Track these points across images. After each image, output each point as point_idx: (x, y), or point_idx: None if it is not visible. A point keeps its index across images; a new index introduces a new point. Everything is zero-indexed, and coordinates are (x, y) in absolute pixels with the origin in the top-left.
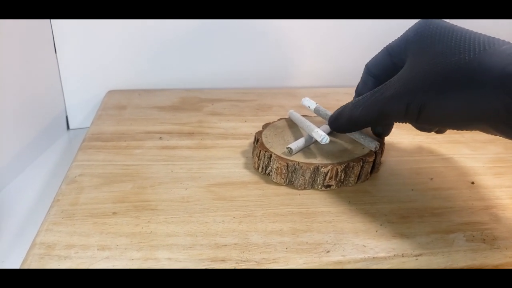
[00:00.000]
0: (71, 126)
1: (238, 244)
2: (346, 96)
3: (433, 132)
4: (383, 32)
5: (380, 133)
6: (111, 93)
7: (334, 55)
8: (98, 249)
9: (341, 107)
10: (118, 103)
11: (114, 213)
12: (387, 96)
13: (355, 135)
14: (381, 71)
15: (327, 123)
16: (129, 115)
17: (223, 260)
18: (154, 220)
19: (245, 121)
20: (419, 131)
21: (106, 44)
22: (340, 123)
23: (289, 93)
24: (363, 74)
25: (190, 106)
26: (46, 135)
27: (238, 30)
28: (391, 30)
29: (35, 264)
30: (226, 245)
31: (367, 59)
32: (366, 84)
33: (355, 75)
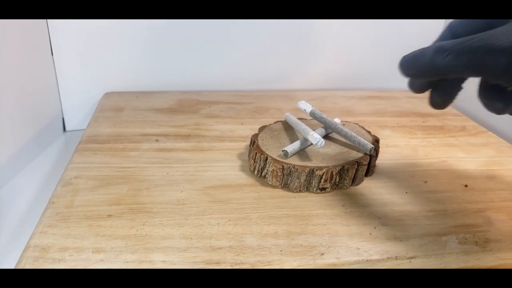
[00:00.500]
0: (67, 128)
1: (233, 246)
2: (344, 99)
3: (431, 138)
4: (380, 36)
5: (438, 104)
6: (108, 95)
7: (332, 58)
8: (92, 252)
9: (417, 49)
10: (115, 105)
11: (109, 215)
12: (486, 45)
13: (350, 138)
14: (469, 31)
15: (322, 126)
16: (126, 117)
17: (217, 263)
18: (149, 223)
19: (242, 124)
20: (413, 135)
21: (103, 45)
22: (415, 66)
23: (286, 96)
24: (444, 32)
25: (187, 108)
26: (42, 137)
27: (237, 33)
28: (388, 34)
29: (29, 267)
30: (221, 248)
31: (364, 63)
32: None
33: (353, 79)
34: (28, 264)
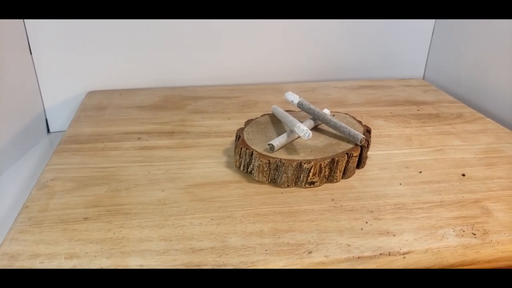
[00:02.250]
0: (51, 129)
1: (215, 247)
2: (335, 90)
3: (426, 126)
4: (368, 28)
5: None
6: (91, 93)
7: (322, 49)
8: (65, 258)
9: None
10: (98, 103)
11: (85, 218)
12: None
13: (340, 129)
14: None
15: (311, 117)
16: (108, 115)
17: (198, 266)
18: (127, 225)
19: (229, 118)
20: (408, 124)
21: (85, 42)
22: None
23: (275, 89)
24: None
25: (172, 104)
26: (24, 140)
27: (222, 25)
28: (376, 26)
29: None
30: (202, 249)
31: (353, 54)
32: None
33: (343, 70)
34: None
